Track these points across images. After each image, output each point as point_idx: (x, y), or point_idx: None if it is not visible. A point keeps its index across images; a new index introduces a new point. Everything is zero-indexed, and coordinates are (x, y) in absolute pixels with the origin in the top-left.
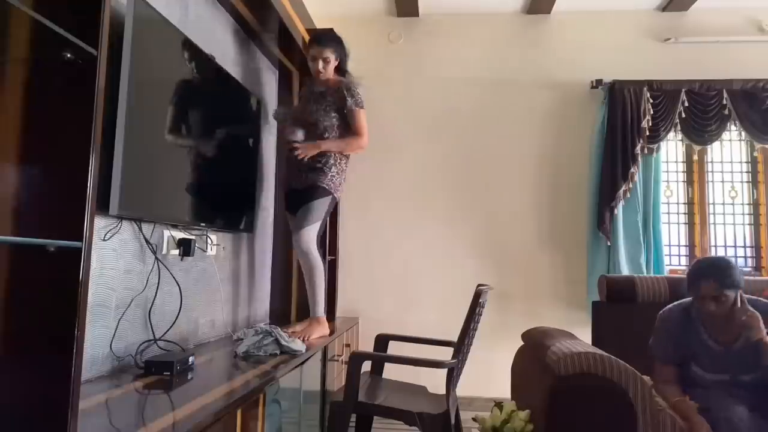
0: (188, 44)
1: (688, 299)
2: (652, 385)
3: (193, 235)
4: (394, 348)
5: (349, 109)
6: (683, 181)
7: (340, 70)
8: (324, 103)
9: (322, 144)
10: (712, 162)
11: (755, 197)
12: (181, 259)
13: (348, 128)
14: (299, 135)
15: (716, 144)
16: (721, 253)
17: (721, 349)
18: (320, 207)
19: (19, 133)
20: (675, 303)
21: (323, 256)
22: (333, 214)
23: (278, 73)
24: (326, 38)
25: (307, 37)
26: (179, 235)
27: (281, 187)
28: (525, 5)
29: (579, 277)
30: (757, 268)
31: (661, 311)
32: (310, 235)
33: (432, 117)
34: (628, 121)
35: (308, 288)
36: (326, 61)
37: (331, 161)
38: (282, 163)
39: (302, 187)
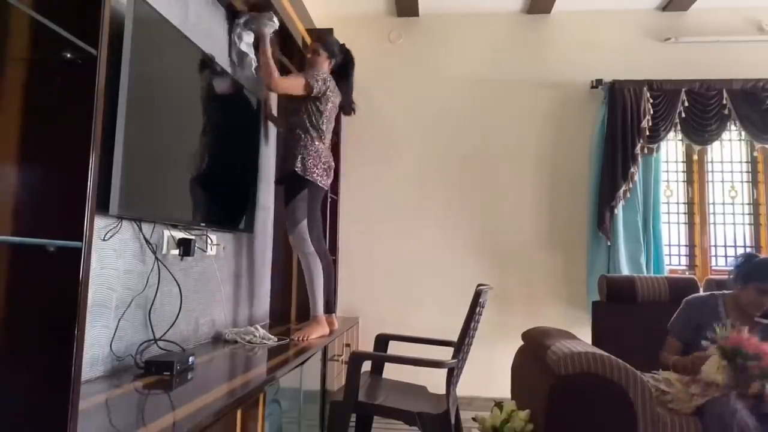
0: (188, 44)
1: (716, 292)
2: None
3: (193, 235)
4: (394, 348)
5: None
6: (683, 181)
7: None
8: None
9: (264, 55)
10: (712, 162)
11: (755, 197)
12: (181, 259)
13: (322, 118)
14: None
15: (716, 144)
16: (721, 252)
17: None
18: (300, 203)
19: (19, 133)
20: (700, 294)
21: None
22: (333, 214)
23: (278, 73)
24: (328, 37)
25: (307, 38)
26: (179, 235)
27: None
28: (525, 5)
29: (579, 277)
30: None
31: (686, 298)
32: (301, 234)
33: (432, 117)
34: (628, 121)
35: (308, 286)
36: (315, 53)
37: (301, 143)
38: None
39: (282, 176)
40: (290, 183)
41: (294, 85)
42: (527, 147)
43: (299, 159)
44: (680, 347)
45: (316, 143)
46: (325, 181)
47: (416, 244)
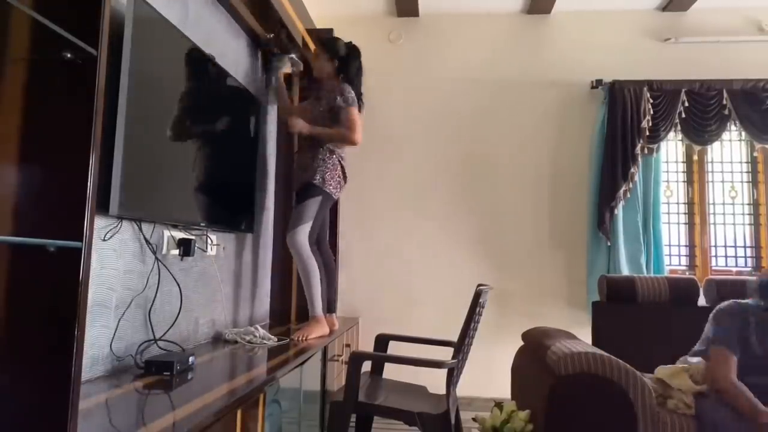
0: (188, 44)
1: (749, 302)
2: (709, 373)
3: (193, 235)
4: (394, 348)
5: (337, 107)
6: (683, 181)
7: (342, 72)
8: (319, 105)
9: (313, 128)
10: (712, 162)
11: (755, 197)
12: (181, 259)
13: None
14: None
15: (716, 144)
16: (721, 253)
17: (762, 353)
18: (310, 207)
19: (19, 133)
20: (736, 301)
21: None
22: (333, 214)
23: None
24: (328, 39)
25: (307, 38)
26: (179, 235)
27: (281, 187)
28: (525, 5)
29: (579, 277)
30: (757, 268)
31: (722, 304)
32: (300, 235)
33: (432, 117)
34: (628, 121)
35: (305, 288)
36: (317, 58)
37: (320, 157)
38: (281, 163)
39: (298, 187)
40: (305, 189)
41: (359, 125)
42: (527, 147)
43: (318, 172)
44: (735, 361)
45: (334, 157)
46: (338, 193)
47: (416, 244)
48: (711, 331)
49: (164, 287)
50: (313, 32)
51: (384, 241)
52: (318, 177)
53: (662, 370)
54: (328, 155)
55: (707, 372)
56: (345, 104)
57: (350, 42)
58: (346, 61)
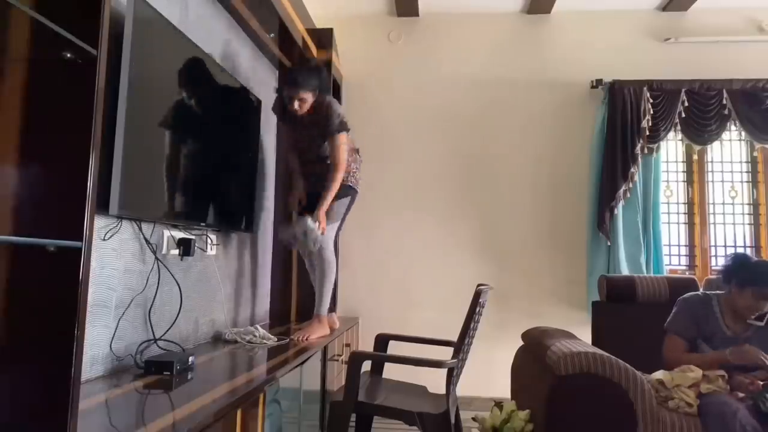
0: (188, 44)
1: (710, 292)
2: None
3: (193, 234)
4: (394, 348)
5: (330, 136)
6: (683, 181)
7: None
8: (314, 131)
9: (324, 207)
10: (712, 162)
11: (755, 197)
12: (181, 259)
13: None
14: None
15: (716, 144)
16: (721, 253)
17: (732, 335)
18: (339, 207)
19: (19, 133)
20: (697, 293)
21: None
22: None
23: (278, 73)
24: (300, 78)
25: (307, 38)
26: (179, 234)
27: (281, 187)
28: (525, 5)
29: (579, 277)
30: None
31: (682, 297)
32: (329, 233)
33: (432, 117)
34: (628, 121)
35: (317, 285)
36: (302, 101)
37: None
38: (281, 163)
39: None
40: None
41: (345, 150)
42: (527, 147)
43: (349, 175)
44: (685, 346)
45: (357, 155)
46: (357, 182)
47: (416, 244)
48: (667, 320)
49: (164, 287)
50: (314, 32)
51: (384, 241)
52: (350, 178)
53: (663, 374)
54: (348, 154)
55: (668, 357)
56: (335, 131)
57: (314, 60)
58: (325, 86)
